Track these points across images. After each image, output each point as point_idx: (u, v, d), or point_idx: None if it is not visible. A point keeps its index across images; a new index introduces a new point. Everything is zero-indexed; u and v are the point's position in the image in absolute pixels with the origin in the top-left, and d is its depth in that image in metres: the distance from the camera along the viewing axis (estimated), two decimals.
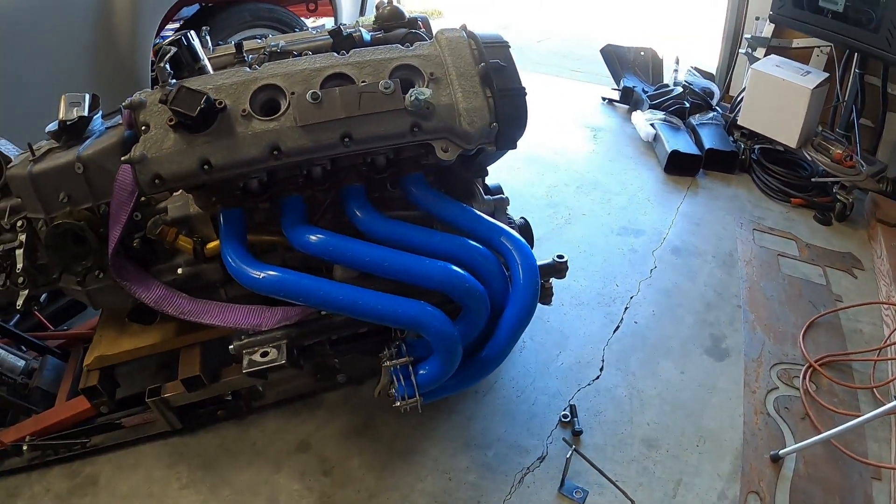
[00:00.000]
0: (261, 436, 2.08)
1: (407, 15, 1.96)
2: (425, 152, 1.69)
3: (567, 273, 1.89)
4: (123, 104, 1.59)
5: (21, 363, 2.11)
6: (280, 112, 1.53)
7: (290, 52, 1.81)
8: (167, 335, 1.96)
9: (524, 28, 6.55)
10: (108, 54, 2.34)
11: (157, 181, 1.53)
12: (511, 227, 1.86)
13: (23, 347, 2.20)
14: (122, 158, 1.53)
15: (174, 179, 1.54)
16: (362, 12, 3.36)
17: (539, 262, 1.76)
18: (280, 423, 2.11)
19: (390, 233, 1.63)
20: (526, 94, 1.64)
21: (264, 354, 1.69)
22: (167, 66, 1.61)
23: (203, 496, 1.88)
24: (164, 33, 2.75)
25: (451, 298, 1.62)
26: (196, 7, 2.82)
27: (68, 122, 1.70)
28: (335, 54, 1.61)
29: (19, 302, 1.81)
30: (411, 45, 1.65)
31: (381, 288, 1.60)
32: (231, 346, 1.72)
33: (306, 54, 1.66)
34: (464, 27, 1.70)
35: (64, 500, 1.87)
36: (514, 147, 1.70)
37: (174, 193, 1.82)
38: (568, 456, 1.89)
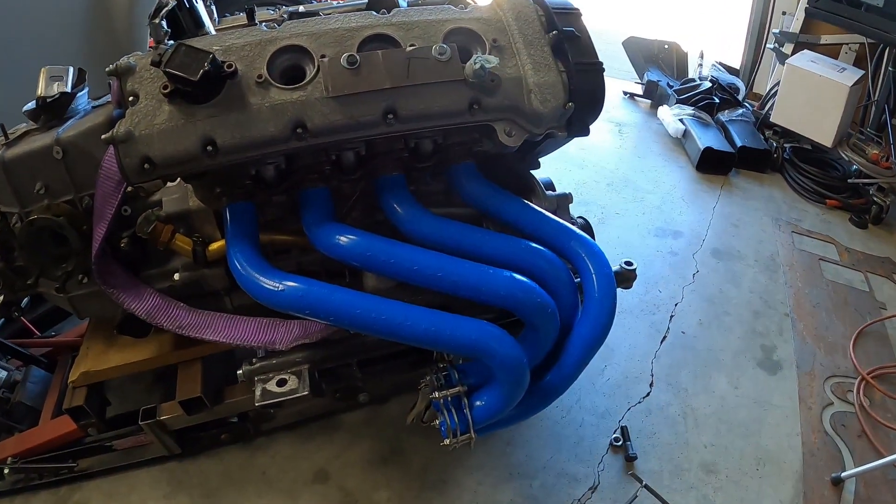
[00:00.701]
0: (271, 463, 1.70)
1: None
2: (479, 136, 1.29)
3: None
4: (108, 69, 1.18)
5: (2, 374, 1.75)
6: (307, 80, 1.12)
7: (315, 14, 1.39)
8: (163, 349, 1.59)
9: None
10: (100, 25, 1.90)
11: (146, 166, 1.12)
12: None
13: (6, 357, 1.81)
14: (103, 137, 1.12)
15: (169, 164, 1.13)
16: None
17: None
18: (293, 449, 1.73)
19: (439, 233, 1.23)
20: (604, 69, 1.25)
21: (281, 383, 1.29)
22: (164, 23, 1.20)
23: None
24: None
25: (508, 313, 1.23)
26: None
27: (48, 100, 1.37)
28: (374, 13, 1.20)
29: None
30: (465, 8, 1.24)
31: (418, 301, 1.21)
32: (240, 371, 1.32)
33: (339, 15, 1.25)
34: None
35: None
36: (587, 133, 1.31)
37: (169, 183, 1.40)
38: (636, 493, 1.52)
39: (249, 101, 1.11)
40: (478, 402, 1.24)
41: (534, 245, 1.25)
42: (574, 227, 1.30)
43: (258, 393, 1.27)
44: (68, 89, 1.39)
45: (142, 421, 1.54)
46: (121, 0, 2.00)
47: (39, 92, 1.36)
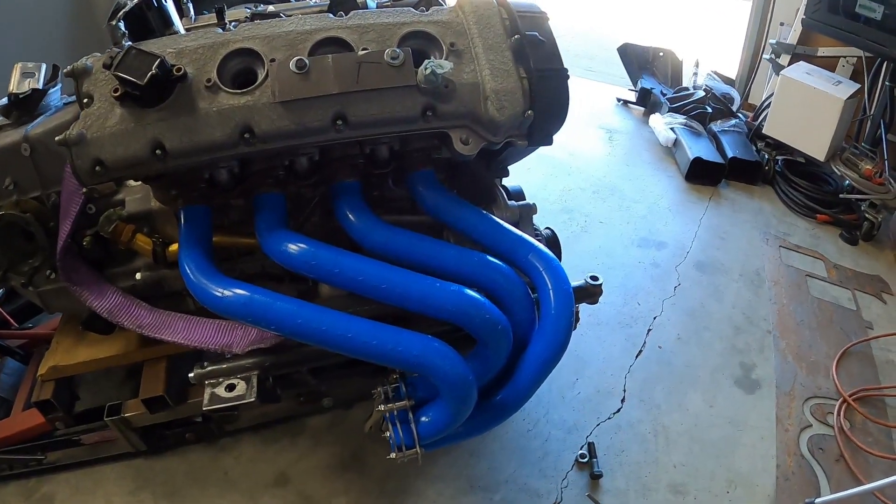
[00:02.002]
0: (234, 464, 1.66)
1: None
2: (439, 144, 1.23)
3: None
4: (65, 70, 1.14)
5: None
6: (256, 84, 1.07)
7: (276, 15, 1.34)
8: (130, 346, 1.57)
9: None
10: (83, 20, 1.87)
11: (98, 168, 1.09)
12: (538, 239, 1.42)
13: None
14: (56, 139, 1.08)
15: (119, 167, 1.09)
16: None
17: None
18: (256, 451, 1.69)
19: (391, 244, 1.17)
20: (568, 76, 1.19)
21: (230, 388, 1.24)
22: (121, 24, 1.16)
23: None
24: None
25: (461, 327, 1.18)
26: None
27: (20, 96, 1.36)
28: (330, 15, 1.15)
29: None
30: (427, 11, 1.18)
31: (372, 310, 1.16)
32: (191, 375, 1.28)
33: (297, 17, 1.19)
34: None
35: None
36: (550, 143, 1.25)
37: (132, 183, 1.37)
38: None
39: (198, 106, 1.07)
40: (423, 418, 1.18)
41: (489, 258, 1.19)
42: (532, 240, 1.23)
43: (206, 397, 1.23)
44: (40, 86, 1.38)
45: (107, 417, 1.51)
46: None
47: (11, 88, 1.35)
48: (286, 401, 1.61)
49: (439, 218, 1.27)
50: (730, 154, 2.87)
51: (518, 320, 1.21)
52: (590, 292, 1.40)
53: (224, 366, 1.26)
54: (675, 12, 5.28)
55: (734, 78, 3.47)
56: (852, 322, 2.29)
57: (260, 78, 1.08)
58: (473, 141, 1.14)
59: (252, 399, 1.20)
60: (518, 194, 1.59)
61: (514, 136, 1.17)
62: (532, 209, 1.41)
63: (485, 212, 1.27)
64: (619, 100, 3.52)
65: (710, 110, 3.11)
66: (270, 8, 1.45)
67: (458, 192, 1.36)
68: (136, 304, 1.41)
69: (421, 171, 1.26)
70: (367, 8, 1.40)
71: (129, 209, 1.38)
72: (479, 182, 1.37)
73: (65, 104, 1.43)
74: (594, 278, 1.41)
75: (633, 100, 3.47)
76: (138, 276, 1.41)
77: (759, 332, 2.17)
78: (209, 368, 1.27)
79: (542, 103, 1.15)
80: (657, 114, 3.19)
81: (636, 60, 3.48)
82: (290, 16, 1.34)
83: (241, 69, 1.10)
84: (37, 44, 1.85)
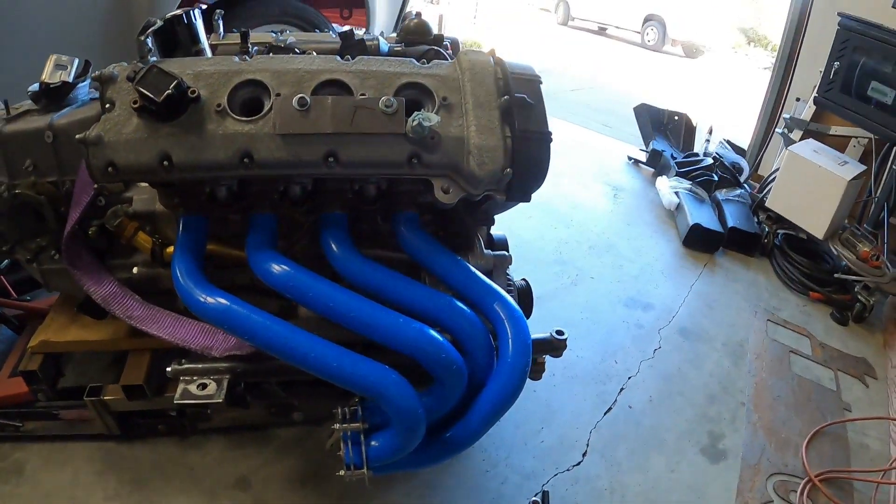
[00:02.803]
0: (200, 461, 1.71)
1: (435, 32, 1.59)
2: (424, 189, 1.31)
3: (564, 352, 1.49)
4: (92, 75, 1.25)
5: None
6: (261, 114, 1.17)
7: (293, 48, 1.45)
8: (118, 334, 1.63)
9: (562, 75, 6.17)
10: (121, 25, 2.01)
11: (110, 169, 1.18)
12: (510, 289, 1.48)
13: None
14: (77, 137, 1.18)
15: (130, 171, 1.18)
16: (398, 27, 3.00)
17: (534, 336, 1.37)
18: (223, 452, 1.74)
19: (365, 277, 1.24)
20: (551, 140, 1.26)
21: (202, 387, 1.31)
22: (148, 41, 1.26)
23: None
24: None
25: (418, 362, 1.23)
26: None
27: (50, 86, 1.45)
28: (338, 58, 1.25)
29: None
30: (428, 63, 1.28)
31: (344, 336, 1.22)
32: (169, 369, 1.35)
33: (310, 54, 1.30)
34: (492, 52, 1.32)
35: None
36: (528, 200, 1.31)
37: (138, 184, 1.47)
38: None
39: (206, 127, 1.16)
40: (373, 442, 1.24)
41: (456, 303, 1.25)
42: (500, 291, 1.30)
43: (178, 392, 1.30)
44: (70, 79, 1.47)
45: (87, 397, 1.57)
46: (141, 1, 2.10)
47: (43, 77, 1.44)
48: (258, 409, 1.67)
49: (416, 259, 1.33)
50: (730, 223, 2.91)
51: (477, 364, 1.27)
52: (554, 346, 1.45)
53: (200, 365, 1.33)
54: (702, 77, 5.39)
55: (747, 147, 3.52)
56: (830, 402, 2.28)
57: (265, 109, 1.17)
58: (454, 191, 1.21)
59: (220, 400, 1.27)
60: (501, 243, 1.66)
61: (493, 190, 1.23)
62: (507, 260, 1.47)
63: (459, 258, 1.33)
64: (630, 158, 3.59)
65: (716, 178, 3.16)
66: (292, 38, 1.55)
67: (442, 235, 1.43)
68: (130, 296, 1.49)
69: (405, 213, 1.34)
70: (378, 51, 1.51)
71: (135, 207, 1.47)
72: (460, 228, 1.43)
73: (91, 99, 1.53)
74: (560, 332, 1.46)
75: (644, 160, 3.54)
76: (135, 270, 1.50)
77: (732, 403, 2.17)
78: (186, 366, 1.34)
79: (522, 163, 1.22)
80: (664, 176, 3.25)
81: (651, 121, 3.56)
82: (306, 51, 1.46)
83: (249, 98, 1.19)
84: (74, 39, 2.00)
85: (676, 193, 3.08)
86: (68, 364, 1.74)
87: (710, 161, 3.25)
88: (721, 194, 3.10)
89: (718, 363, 2.33)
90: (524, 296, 1.54)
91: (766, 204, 2.97)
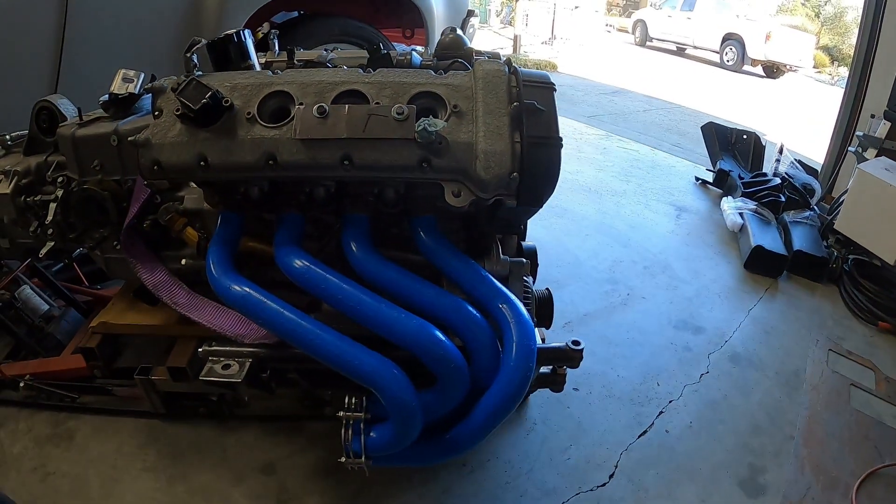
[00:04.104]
0: (234, 444, 1.83)
1: (468, 45, 1.65)
2: (440, 193, 1.36)
3: (581, 363, 1.46)
4: (146, 86, 1.43)
5: (44, 307, 2.04)
6: (285, 121, 1.28)
7: (325, 63, 1.56)
8: (169, 321, 1.78)
9: (636, 95, 6.06)
10: (191, 33, 2.24)
11: (156, 167, 1.34)
12: (527, 297, 1.48)
13: (52, 295, 2.12)
14: (130, 139, 1.36)
15: (172, 170, 1.34)
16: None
17: (549, 345, 1.37)
18: (256, 438, 1.85)
19: (379, 275, 1.31)
20: (561, 146, 1.27)
21: (226, 367, 1.43)
22: (194, 57, 1.42)
23: (159, 484, 1.68)
24: None
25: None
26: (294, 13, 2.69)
27: (119, 96, 1.65)
28: (360, 70, 1.34)
29: (43, 251, 1.78)
30: (445, 73, 1.34)
31: (367, 335, 1.29)
32: (200, 350, 1.49)
33: (339, 68, 1.40)
34: (508, 61, 1.36)
35: (40, 445, 1.76)
36: (540, 206, 1.32)
37: (191, 185, 1.63)
38: None
39: (238, 133, 1.28)
40: (372, 433, 1.29)
41: (464, 305, 1.28)
42: (510, 295, 1.31)
43: (205, 370, 1.42)
44: (136, 91, 1.66)
45: (137, 375, 1.73)
46: (210, 14, 2.33)
47: (112, 89, 1.64)
48: (291, 401, 1.78)
49: (431, 260, 1.38)
50: (796, 246, 2.72)
51: (482, 367, 1.29)
52: (568, 356, 1.44)
53: (228, 348, 1.45)
54: (781, 96, 5.11)
55: (820, 168, 3.29)
56: (890, 442, 2.04)
57: (290, 116, 1.28)
58: (464, 194, 1.25)
59: (239, 380, 1.38)
60: (529, 252, 1.67)
61: (503, 195, 1.26)
62: (523, 267, 1.48)
63: (471, 261, 1.37)
64: (697, 179, 3.45)
65: (783, 199, 2.97)
66: (333, 55, 1.68)
67: (465, 242, 1.48)
68: (178, 284, 1.65)
69: (423, 216, 1.40)
70: (411, 63, 1.59)
71: (185, 205, 1.63)
72: (478, 235, 1.47)
73: None
74: (576, 343, 1.44)
75: (711, 180, 3.39)
76: (183, 261, 1.66)
77: (780, 436, 2.01)
78: (215, 347, 1.47)
79: (532, 168, 1.24)
80: (729, 197, 3.10)
81: (718, 140, 3.41)
82: (341, 64, 1.57)
83: (277, 107, 1.30)
84: (146, 54, 2.26)
85: (741, 214, 2.92)
86: (127, 348, 1.93)
87: (777, 181, 3.06)
88: (789, 216, 2.91)
89: (769, 392, 2.18)
90: (544, 304, 1.54)
91: (835, 226, 2.75)
